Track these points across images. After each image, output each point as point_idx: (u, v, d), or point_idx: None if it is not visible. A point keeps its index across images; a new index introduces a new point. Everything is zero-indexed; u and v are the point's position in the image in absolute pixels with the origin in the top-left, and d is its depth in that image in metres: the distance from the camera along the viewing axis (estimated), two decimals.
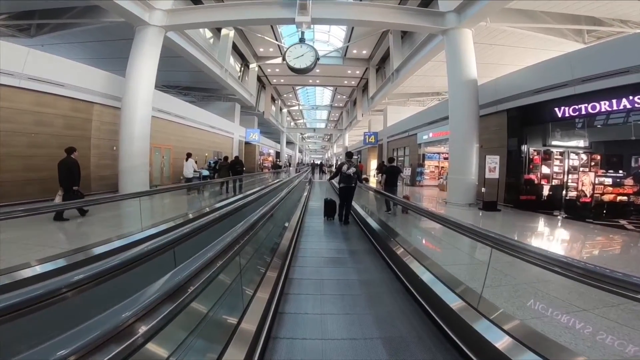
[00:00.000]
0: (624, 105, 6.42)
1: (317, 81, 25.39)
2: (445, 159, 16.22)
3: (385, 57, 19.52)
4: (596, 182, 7.13)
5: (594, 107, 6.91)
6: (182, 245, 2.12)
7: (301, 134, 51.24)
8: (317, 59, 9.51)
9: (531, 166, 8.78)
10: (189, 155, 11.40)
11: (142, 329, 0.99)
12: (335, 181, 8.02)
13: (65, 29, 12.30)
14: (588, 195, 7.25)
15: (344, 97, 30.67)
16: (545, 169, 8.85)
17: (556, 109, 7.75)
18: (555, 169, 8.97)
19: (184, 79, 19.65)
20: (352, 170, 6.58)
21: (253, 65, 21.51)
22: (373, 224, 5.87)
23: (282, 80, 25.76)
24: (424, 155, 16.49)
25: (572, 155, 9.07)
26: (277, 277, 3.02)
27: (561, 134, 9.12)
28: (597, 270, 1.44)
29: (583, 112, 7.14)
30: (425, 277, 3.02)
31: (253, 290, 2.53)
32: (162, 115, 12.85)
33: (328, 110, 37.28)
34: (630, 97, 6.29)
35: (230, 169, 11.81)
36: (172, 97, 15.66)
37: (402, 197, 7.27)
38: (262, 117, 26.68)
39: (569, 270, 1.59)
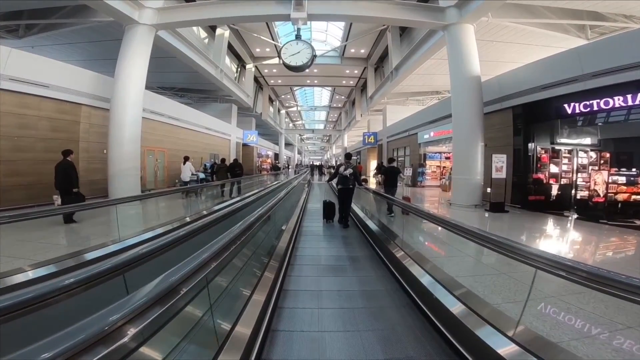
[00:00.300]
0: None
1: (315, 81, 25.07)
2: (447, 158, 15.88)
3: (384, 56, 19.21)
4: (609, 180, 6.77)
5: (607, 103, 6.55)
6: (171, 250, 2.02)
7: (300, 135, 50.94)
8: (314, 56, 9.15)
9: (539, 165, 8.41)
10: (186, 159, 11.17)
11: (129, 332, 0.97)
12: (334, 183, 7.71)
13: (54, 29, 11.93)
14: (601, 195, 6.87)
15: (343, 97, 30.35)
16: (553, 168, 8.48)
17: (565, 105, 7.38)
18: (564, 167, 8.61)
19: (179, 81, 19.26)
20: (348, 171, 6.38)
21: (250, 66, 21.16)
22: (373, 227, 5.58)
23: (279, 81, 25.42)
24: (425, 155, 16.12)
25: (581, 154, 8.72)
26: (271, 289, 2.74)
27: (569, 132, 8.75)
28: None
29: (595, 107, 6.78)
30: (439, 294, 2.62)
31: (242, 305, 2.26)
32: (155, 117, 12.47)
33: (326, 111, 36.99)
34: None
35: (229, 172, 11.65)
36: (166, 98, 15.26)
37: (402, 198, 7.00)
38: (259, 118, 26.30)
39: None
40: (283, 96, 31.24)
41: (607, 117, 7.03)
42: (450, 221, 2.90)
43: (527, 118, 8.70)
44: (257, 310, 2.25)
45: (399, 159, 18.64)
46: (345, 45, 18.38)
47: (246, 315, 2.15)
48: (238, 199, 9.46)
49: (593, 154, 8.69)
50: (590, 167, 8.49)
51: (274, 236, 4.39)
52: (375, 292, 3.31)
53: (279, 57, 9.66)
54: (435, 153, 16.27)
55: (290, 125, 42.77)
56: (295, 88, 28.95)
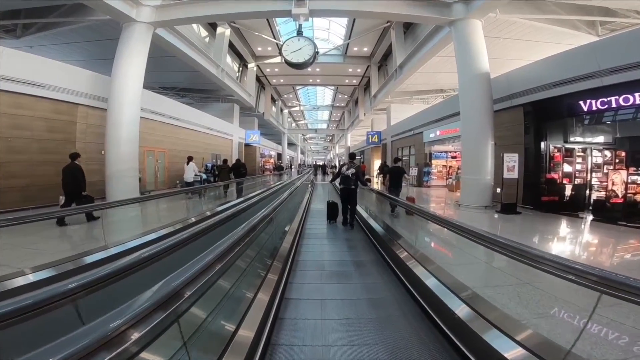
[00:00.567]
0: None
1: (318, 80, 24.76)
2: (454, 157, 15.54)
3: (388, 54, 18.87)
4: (628, 180, 6.41)
5: (626, 100, 6.22)
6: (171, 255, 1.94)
7: (303, 135, 50.73)
8: (317, 52, 8.88)
9: (552, 164, 8.06)
10: (190, 159, 10.96)
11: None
12: (337, 183, 7.52)
13: (52, 28, 11.76)
14: (620, 196, 6.51)
15: (346, 96, 30.02)
16: (567, 167, 8.12)
17: (581, 103, 7.04)
18: (578, 167, 8.26)
19: (180, 80, 19.08)
20: (351, 171, 6.24)
21: (252, 65, 20.91)
22: (378, 228, 5.35)
23: (282, 80, 25.15)
24: (430, 154, 15.77)
25: (595, 152, 8.36)
26: (271, 297, 2.57)
27: (582, 130, 8.38)
28: None
29: (613, 104, 6.44)
30: (451, 303, 2.34)
31: (241, 315, 2.10)
32: (154, 117, 12.25)
33: (329, 110, 36.69)
34: None
35: (232, 172, 11.56)
36: (166, 97, 15.05)
37: (406, 199, 6.90)
38: (262, 118, 26.04)
39: None
40: (285, 96, 30.98)
41: (631, 115, 6.65)
42: (464, 226, 2.65)
43: (538, 116, 8.37)
44: (256, 322, 2.08)
45: (404, 158, 18.31)
46: (348, 44, 18.05)
47: (247, 321, 2.03)
48: (242, 199, 9.33)
49: (608, 153, 8.33)
50: (605, 167, 8.15)
51: (276, 237, 4.25)
52: (383, 299, 3.10)
53: (280, 54, 9.38)
54: (441, 152, 15.93)
55: (293, 125, 42.53)
56: (297, 87, 28.67)
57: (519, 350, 1.70)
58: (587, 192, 8.14)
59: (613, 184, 6.74)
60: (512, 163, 7.73)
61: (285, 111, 34.86)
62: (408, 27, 15.72)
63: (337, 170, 7.86)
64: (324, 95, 33.16)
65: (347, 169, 6.28)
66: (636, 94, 6.02)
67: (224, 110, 21.33)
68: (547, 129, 8.28)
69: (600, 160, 8.35)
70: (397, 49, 15.36)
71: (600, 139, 8.52)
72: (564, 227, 6.47)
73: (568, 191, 7.99)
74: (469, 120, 8.67)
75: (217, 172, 12.92)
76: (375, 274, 3.84)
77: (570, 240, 5.58)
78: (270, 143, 34.02)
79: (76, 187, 6.07)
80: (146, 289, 1.22)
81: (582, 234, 6.01)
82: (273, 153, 35.62)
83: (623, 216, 6.38)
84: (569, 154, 8.19)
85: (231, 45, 17.50)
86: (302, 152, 59.08)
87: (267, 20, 15.34)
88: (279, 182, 14.13)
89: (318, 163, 47.38)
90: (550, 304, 2.54)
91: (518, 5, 9.85)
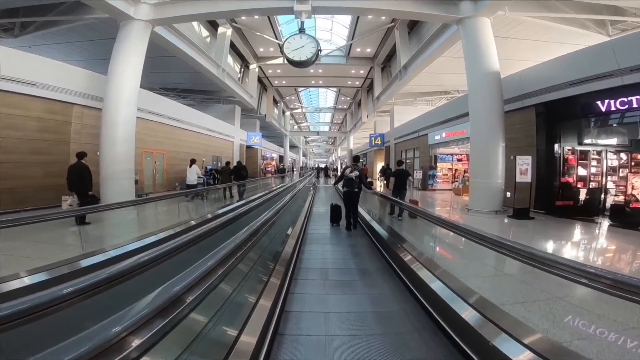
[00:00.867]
0: None
1: (320, 82, 24.51)
2: (459, 160, 15.17)
3: (391, 55, 18.60)
4: None
5: None
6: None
7: (305, 137, 50.52)
8: (319, 50, 8.59)
9: (566, 167, 7.69)
10: (192, 162, 10.77)
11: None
12: (340, 186, 7.28)
13: (50, 27, 11.56)
14: None
15: (348, 98, 29.77)
16: (581, 171, 7.75)
17: (598, 103, 6.68)
18: (593, 170, 7.88)
19: (181, 81, 18.83)
20: (354, 174, 6.17)
21: (253, 66, 20.71)
22: (383, 232, 5.12)
23: (284, 82, 24.92)
24: (435, 156, 15.39)
25: (610, 155, 7.98)
26: (272, 308, 2.39)
27: (598, 131, 8.01)
28: None
29: (635, 104, 6.07)
30: (467, 315, 2.04)
31: (241, 325, 1.98)
32: (153, 117, 11.98)
33: (332, 112, 36.48)
34: None
35: (233, 174, 11.41)
36: (165, 98, 14.78)
37: (409, 201, 6.78)
38: (264, 120, 25.79)
39: None
40: (287, 97, 30.77)
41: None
42: (480, 233, 2.44)
43: (551, 117, 8.01)
44: (254, 337, 1.92)
45: (407, 161, 17.94)
46: (350, 44, 17.81)
47: (248, 326, 1.97)
48: (243, 202, 9.17)
49: (624, 156, 7.95)
50: (621, 170, 7.77)
51: (277, 242, 4.09)
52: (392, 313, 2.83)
53: (282, 51, 9.09)
54: (447, 155, 15.55)
55: (295, 127, 42.34)
56: (299, 89, 28.46)
57: None
58: (603, 196, 7.76)
59: (633, 188, 6.37)
60: (525, 166, 7.37)
61: (287, 113, 34.64)
62: (412, 27, 15.43)
63: (340, 173, 7.64)
64: (326, 97, 32.97)
65: (351, 172, 6.19)
66: None
67: (226, 111, 21.07)
68: (561, 130, 7.92)
69: (615, 163, 7.98)
70: (402, 50, 15.08)
71: (616, 141, 8.15)
72: (583, 232, 6.13)
73: (583, 195, 7.61)
74: (479, 121, 8.33)
75: (217, 175, 12.65)
76: (382, 282, 3.59)
77: (600, 248, 5.21)
78: (271, 145, 33.77)
79: (82, 186, 6.03)
80: (144, 295, 1.21)
81: (605, 240, 5.65)
82: (275, 155, 35.35)
83: None
84: (583, 156, 7.82)
85: (232, 46, 17.29)
86: (304, 155, 58.86)
87: (269, 19, 15.11)
88: (280, 185, 13.84)
89: (320, 165, 47.07)
90: (591, 318, 2.19)
91: (526, 3, 9.55)
